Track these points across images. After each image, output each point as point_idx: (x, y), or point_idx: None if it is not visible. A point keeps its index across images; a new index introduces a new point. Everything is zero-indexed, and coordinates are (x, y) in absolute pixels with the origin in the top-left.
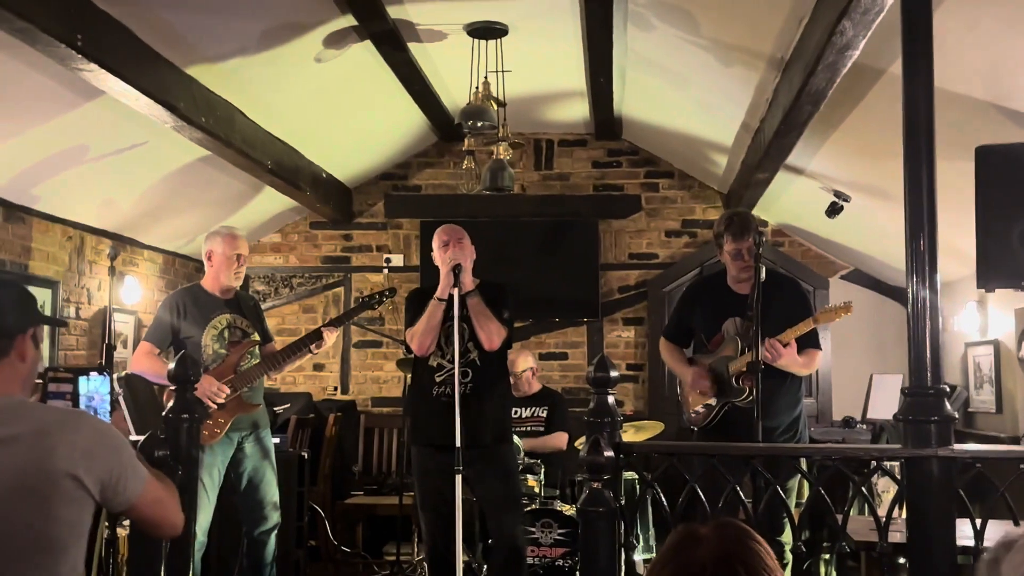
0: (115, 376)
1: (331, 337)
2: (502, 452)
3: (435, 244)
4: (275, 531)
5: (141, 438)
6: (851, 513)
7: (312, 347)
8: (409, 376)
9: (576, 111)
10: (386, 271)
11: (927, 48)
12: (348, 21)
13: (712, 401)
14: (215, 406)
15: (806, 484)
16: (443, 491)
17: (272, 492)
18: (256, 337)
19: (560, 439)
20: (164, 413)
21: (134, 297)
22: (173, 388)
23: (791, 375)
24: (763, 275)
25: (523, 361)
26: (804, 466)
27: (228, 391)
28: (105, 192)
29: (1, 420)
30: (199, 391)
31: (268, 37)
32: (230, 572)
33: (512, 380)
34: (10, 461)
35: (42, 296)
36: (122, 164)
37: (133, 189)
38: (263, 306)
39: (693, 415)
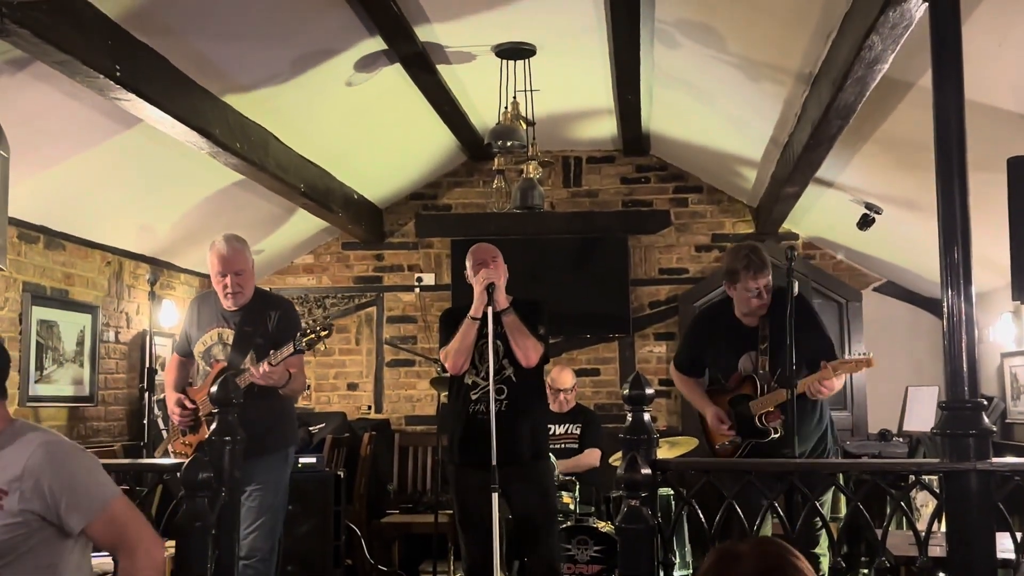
0: (155, 399)
1: (256, 372)
2: (539, 469)
3: (469, 264)
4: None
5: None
6: (890, 528)
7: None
8: (443, 395)
9: (604, 128)
10: (417, 290)
11: (957, 61)
12: (378, 45)
13: (737, 439)
14: (177, 422)
15: (842, 498)
16: (482, 509)
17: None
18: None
19: (593, 456)
20: (208, 436)
21: (171, 320)
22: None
23: (813, 401)
24: (795, 289)
25: (568, 378)
26: (841, 481)
27: (181, 410)
28: (142, 217)
29: None
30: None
31: (300, 63)
32: None
33: (560, 396)
34: None
35: (82, 321)
36: (159, 190)
37: (170, 214)
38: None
39: (719, 449)
